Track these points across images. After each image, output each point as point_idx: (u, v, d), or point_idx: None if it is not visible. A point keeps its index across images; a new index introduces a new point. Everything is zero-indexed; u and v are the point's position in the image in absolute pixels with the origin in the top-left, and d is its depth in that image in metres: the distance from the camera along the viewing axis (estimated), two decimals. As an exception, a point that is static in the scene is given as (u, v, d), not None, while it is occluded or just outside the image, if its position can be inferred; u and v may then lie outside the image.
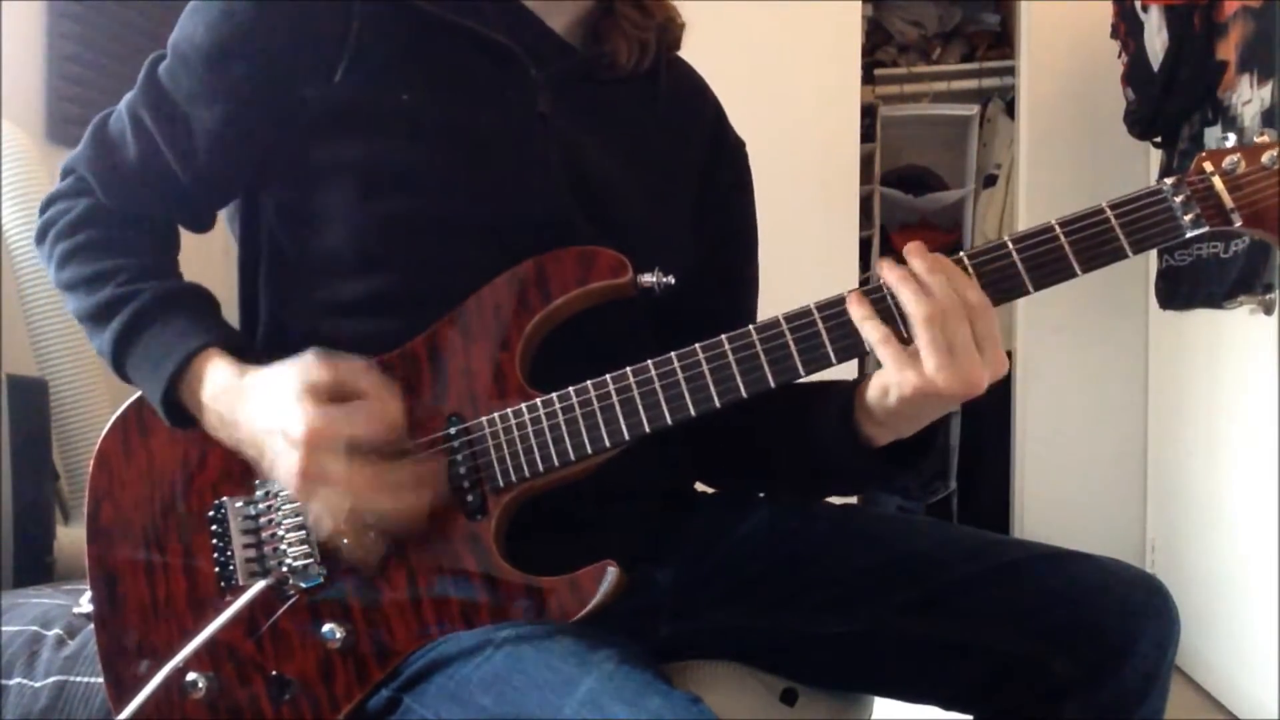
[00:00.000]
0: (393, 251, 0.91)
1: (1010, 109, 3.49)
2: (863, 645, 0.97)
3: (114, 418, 0.96)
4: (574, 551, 0.86)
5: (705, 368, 0.85)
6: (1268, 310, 2.11)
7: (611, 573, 0.84)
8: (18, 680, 1.06)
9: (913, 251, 0.83)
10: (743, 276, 1.11)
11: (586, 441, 0.86)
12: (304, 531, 0.88)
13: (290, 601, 0.88)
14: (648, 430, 0.86)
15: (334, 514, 0.83)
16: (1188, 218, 0.83)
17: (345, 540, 0.85)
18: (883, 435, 0.89)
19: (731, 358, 0.85)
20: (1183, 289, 2.51)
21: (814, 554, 0.99)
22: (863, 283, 0.88)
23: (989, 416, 3.24)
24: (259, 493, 0.91)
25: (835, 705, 1.04)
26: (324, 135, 0.91)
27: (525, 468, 0.87)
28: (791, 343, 0.85)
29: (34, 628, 1.11)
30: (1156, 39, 2.45)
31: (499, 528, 0.87)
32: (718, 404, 0.85)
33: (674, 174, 1.05)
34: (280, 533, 0.89)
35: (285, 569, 0.88)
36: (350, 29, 0.91)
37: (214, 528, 0.91)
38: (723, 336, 0.86)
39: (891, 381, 0.83)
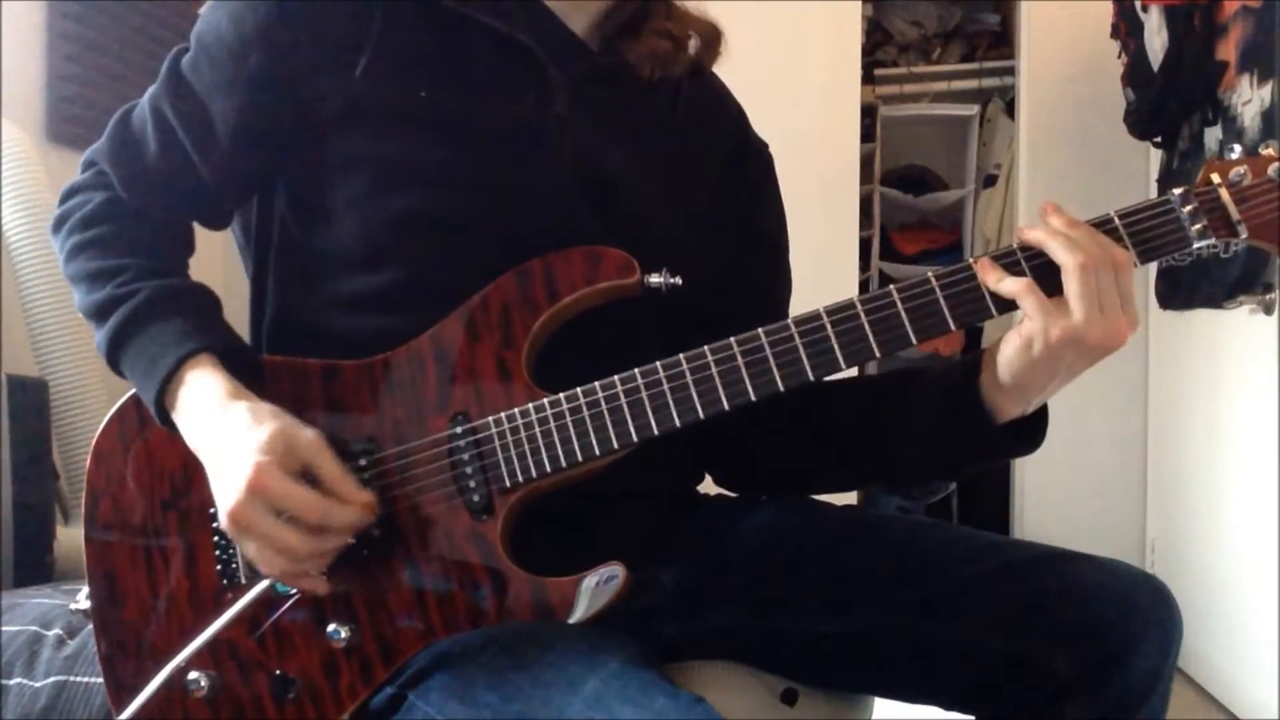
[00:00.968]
0: (403, 247, 0.91)
1: (1010, 109, 3.50)
2: (864, 646, 0.97)
3: (110, 413, 0.96)
4: (579, 552, 0.86)
5: (714, 370, 0.85)
6: (1268, 310, 2.12)
7: (617, 574, 0.84)
8: (18, 680, 1.06)
9: (1051, 210, 0.84)
10: (765, 282, 1.10)
11: (594, 443, 0.86)
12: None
13: (292, 600, 0.88)
14: (655, 433, 0.86)
15: (265, 567, 0.84)
16: (1195, 228, 0.84)
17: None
18: (1009, 404, 0.88)
19: (740, 360, 0.85)
20: (1183, 289, 2.51)
21: (815, 554, 0.99)
22: (863, 283, 0.88)
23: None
24: (260, 492, 0.90)
25: (835, 705, 1.04)
26: (341, 129, 0.91)
27: (532, 468, 0.86)
28: (801, 346, 0.85)
29: (34, 628, 1.11)
30: (1156, 39, 2.45)
31: (505, 527, 0.87)
32: (726, 406, 0.85)
33: (690, 179, 1.04)
34: (283, 532, 0.89)
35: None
36: (372, 24, 0.91)
37: (215, 525, 0.91)
38: (731, 339, 0.86)
39: (1036, 331, 0.82)
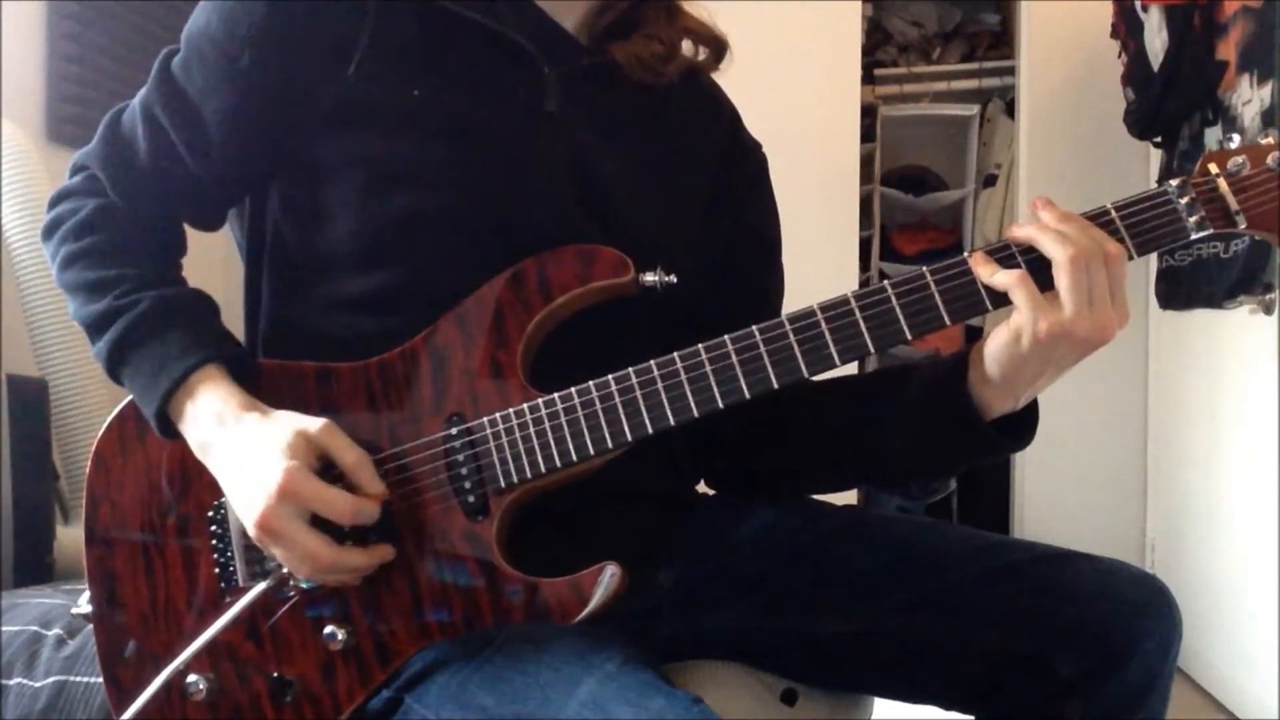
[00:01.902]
0: (397, 247, 0.91)
1: (1010, 109, 3.49)
2: (863, 645, 0.97)
3: (109, 419, 0.96)
4: (575, 552, 0.86)
5: (708, 368, 0.85)
6: (1268, 310, 2.11)
7: (613, 573, 0.84)
8: (18, 680, 1.06)
9: (1042, 204, 0.83)
10: (759, 281, 1.09)
11: (589, 441, 0.86)
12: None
13: (290, 602, 0.88)
14: (650, 431, 0.85)
15: (293, 567, 0.85)
16: (1193, 220, 0.83)
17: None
18: (998, 400, 0.87)
19: (735, 358, 0.85)
20: (1183, 289, 2.51)
21: (814, 554, 0.99)
22: (863, 283, 0.88)
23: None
24: (260, 493, 0.90)
25: (835, 705, 1.04)
26: (334, 129, 0.91)
27: (527, 468, 0.86)
28: (795, 344, 0.84)
29: (34, 628, 1.11)
30: (1156, 39, 2.45)
31: (501, 528, 0.87)
32: (721, 405, 0.85)
33: (682, 178, 1.04)
34: (281, 533, 0.89)
35: (285, 570, 0.88)
36: (364, 23, 0.91)
37: (213, 529, 0.91)
38: (726, 337, 0.85)
39: (1025, 324, 0.81)
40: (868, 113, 3.52)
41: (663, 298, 0.90)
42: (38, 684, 1.05)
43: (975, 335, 3.21)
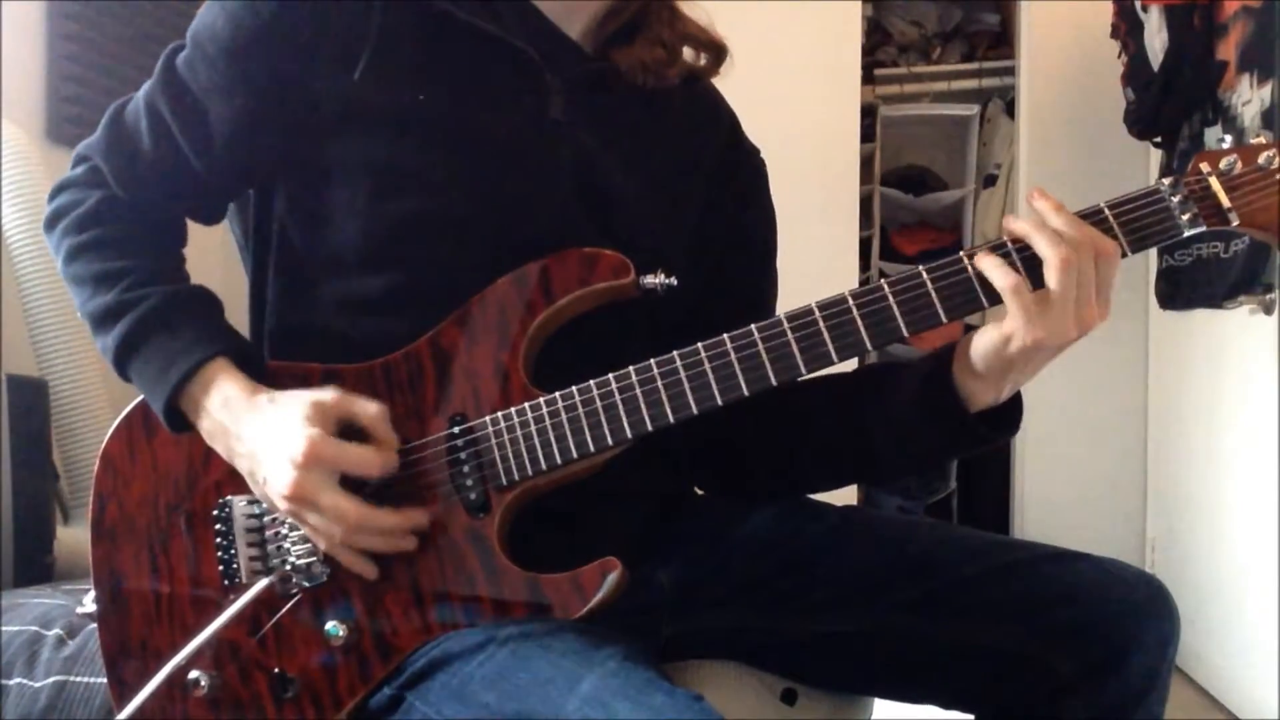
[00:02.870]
0: (402, 251, 0.92)
1: (1010, 109, 3.50)
2: (863, 645, 0.97)
3: (119, 419, 0.96)
4: (576, 550, 0.86)
5: (707, 366, 0.86)
6: (1268, 310, 2.12)
7: (614, 572, 0.84)
8: (18, 680, 1.06)
9: (1039, 195, 0.84)
10: (752, 286, 1.09)
11: (589, 439, 0.86)
12: (307, 530, 0.88)
13: (293, 600, 0.89)
14: (650, 428, 0.86)
15: (324, 538, 0.86)
16: (1185, 217, 0.84)
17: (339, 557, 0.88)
18: (983, 392, 0.89)
19: (734, 356, 0.85)
20: (1183, 289, 2.51)
21: (814, 554, 0.99)
22: (863, 283, 0.88)
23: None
24: (262, 492, 0.91)
25: (835, 705, 1.04)
26: (339, 132, 0.91)
27: (528, 466, 0.87)
28: (793, 341, 0.85)
29: (34, 628, 1.11)
30: (1156, 39, 2.45)
31: (502, 526, 0.87)
32: (720, 401, 0.85)
33: (683, 184, 1.04)
34: (284, 531, 0.90)
35: (289, 567, 0.89)
36: (370, 28, 0.91)
37: (218, 526, 0.92)
38: (725, 336, 0.86)
39: (1016, 330, 0.83)
40: (868, 113, 3.52)
41: (663, 301, 0.90)
42: (38, 684, 1.05)
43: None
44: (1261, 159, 0.84)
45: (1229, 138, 0.86)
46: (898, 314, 0.84)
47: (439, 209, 0.91)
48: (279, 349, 0.97)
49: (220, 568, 0.91)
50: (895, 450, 0.96)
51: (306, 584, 0.88)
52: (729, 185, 1.08)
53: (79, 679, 1.05)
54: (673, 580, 0.99)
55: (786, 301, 0.91)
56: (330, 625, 0.87)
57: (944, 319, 0.84)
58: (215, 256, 1.27)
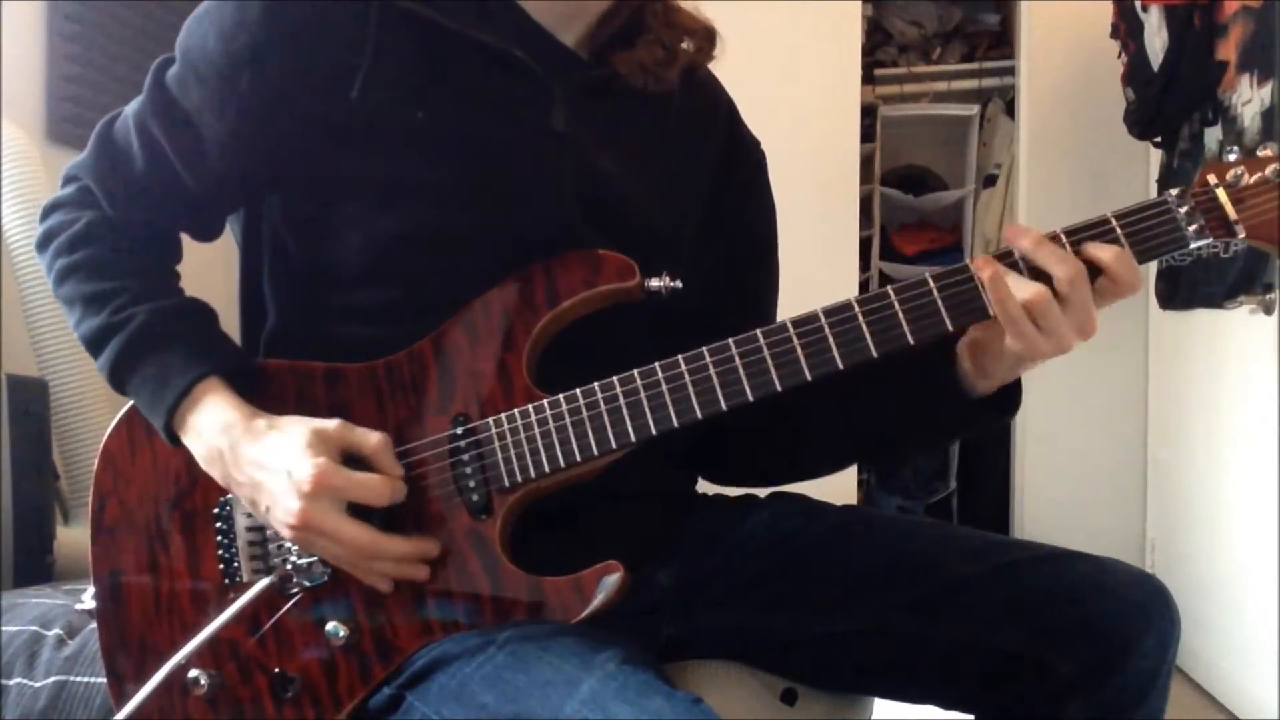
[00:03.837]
0: (405, 263, 0.91)
1: (1010, 109, 3.49)
2: (863, 645, 0.97)
3: (118, 417, 0.96)
4: (577, 552, 0.86)
5: (712, 371, 0.86)
6: (1268, 310, 2.12)
7: (615, 575, 0.84)
8: (18, 680, 1.06)
9: (1020, 233, 0.85)
10: (751, 278, 1.09)
11: (593, 443, 0.86)
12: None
13: (294, 599, 0.89)
14: (654, 433, 0.86)
15: (335, 561, 0.87)
16: (1192, 228, 0.84)
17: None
18: (978, 382, 0.92)
19: (738, 361, 0.86)
20: (1183, 289, 2.51)
21: (814, 554, 0.99)
22: (863, 283, 0.89)
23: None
24: (263, 492, 0.91)
25: (835, 705, 1.04)
26: (339, 147, 0.90)
27: (531, 468, 0.87)
28: (798, 347, 0.85)
29: (34, 628, 1.11)
30: (1156, 39, 2.45)
31: (504, 527, 0.87)
32: (724, 407, 0.85)
33: (686, 182, 1.04)
34: (284, 531, 0.90)
35: (289, 566, 0.89)
36: (366, 42, 0.89)
37: (219, 525, 0.92)
38: (729, 340, 0.86)
39: (1024, 351, 0.85)
40: (868, 113, 3.52)
41: (667, 302, 0.90)
42: (38, 684, 1.05)
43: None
44: (1269, 171, 0.85)
45: (1237, 149, 0.86)
46: (904, 322, 0.85)
47: (442, 222, 0.90)
48: (278, 354, 0.96)
49: (220, 566, 0.91)
50: (896, 425, 0.98)
51: (307, 583, 0.88)
52: (728, 177, 1.08)
53: (79, 679, 1.05)
54: (673, 580, 0.99)
55: (786, 301, 0.91)
56: (330, 625, 0.87)
57: (950, 327, 0.85)
58: (217, 263, 1.27)
